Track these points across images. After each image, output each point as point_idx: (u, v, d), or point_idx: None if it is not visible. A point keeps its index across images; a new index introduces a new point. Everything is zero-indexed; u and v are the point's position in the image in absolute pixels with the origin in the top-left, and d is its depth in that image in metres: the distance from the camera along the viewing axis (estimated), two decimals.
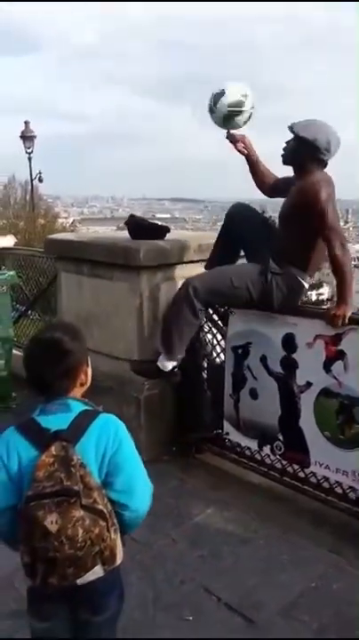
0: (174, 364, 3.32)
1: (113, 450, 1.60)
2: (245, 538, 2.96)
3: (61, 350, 1.63)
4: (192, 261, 3.88)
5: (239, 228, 3.39)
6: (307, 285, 3.18)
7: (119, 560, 1.63)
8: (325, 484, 3.08)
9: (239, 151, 3.34)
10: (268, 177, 3.39)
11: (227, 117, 3.18)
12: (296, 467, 3.21)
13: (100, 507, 1.52)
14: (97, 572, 1.55)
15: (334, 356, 2.92)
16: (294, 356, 3.10)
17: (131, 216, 4.08)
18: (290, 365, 3.13)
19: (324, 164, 3.05)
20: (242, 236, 3.37)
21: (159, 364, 3.32)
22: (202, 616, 2.45)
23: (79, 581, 1.53)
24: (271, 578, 2.67)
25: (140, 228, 3.93)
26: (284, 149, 3.10)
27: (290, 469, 3.25)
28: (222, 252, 3.48)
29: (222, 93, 3.13)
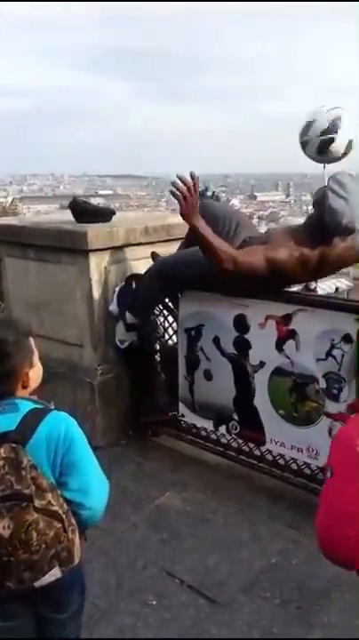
0: None
1: (64, 448, 1.56)
2: (205, 518, 3.00)
3: (1, 354, 1.58)
4: (140, 243, 3.83)
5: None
6: None
7: (77, 559, 1.60)
8: (281, 461, 3.14)
9: None
10: None
11: (320, 148, 2.85)
12: (252, 445, 3.26)
13: (55, 508, 1.49)
14: (55, 573, 1.53)
15: (285, 336, 2.95)
16: (246, 336, 3.11)
17: (75, 199, 3.98)
18: (242, 346, 3.15)
19: None
20: None
21: None
22: (165, 599, 2.48)
23: (37, 584, 1.51)
24: (232, 556, 2.71)
25: (85, 211, 3.84)
26: None
27: (246, 448, 3.30)
28: None
29: (312, 122, 2.86)
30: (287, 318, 2.92)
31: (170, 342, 3.68)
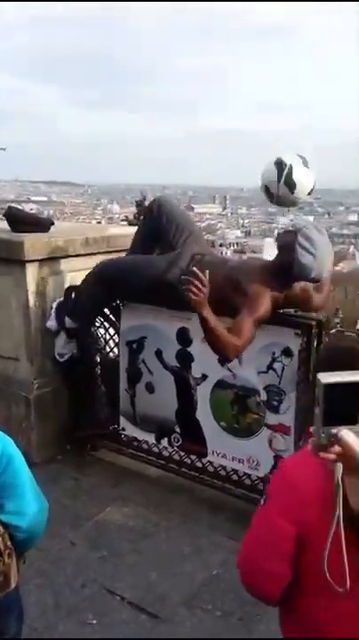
0: None
1: (0, 469, 1.51)
2: (146, 533, 2.97)
3: None
4: (79, 255, 3.78)
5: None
6: None
7: (14, 583, 1.55)
8: (222, 473, 3.17)
9: None
10: None
11: (286, 193, 2.90)
12: (194, 457, 3.27)
13: None
14: None
15: None
16: (189, 349, 3.13)
17: (10, 207, 3.88)
18: (185, 359, 3.16)
19: None
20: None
21: None
22: (106, 618, 2.43)
23: None
24: (173, 570, 2.70)
25: (22, 220, 3.75)
26: None
27: (187, 460, 3.30)
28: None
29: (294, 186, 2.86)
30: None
31: (111, 355, 3.64)
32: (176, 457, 3.35)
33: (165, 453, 3.39)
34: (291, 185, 2.85)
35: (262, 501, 1.33)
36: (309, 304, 2.92)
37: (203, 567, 2.73)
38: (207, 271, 2.60)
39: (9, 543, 1.51)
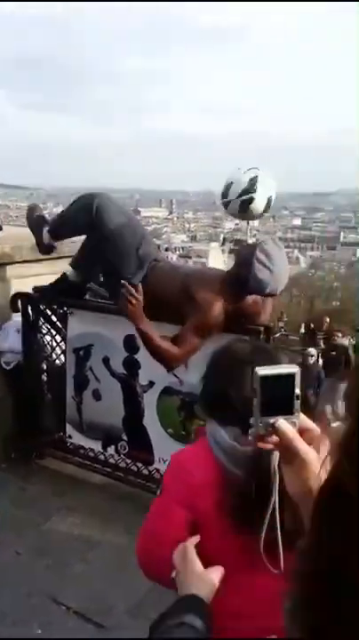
0: None
1: None
2: (92, 542, 2.96)
3: None
4: (27, 261, 3.73)
5: None
6: None
7: None
8: None
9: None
10: None
11: (241, 207, 2.95)
12: (140, 465, 3.27)
13: None
14: None
15: None
16: (136, 356, 3.14)
17: None
18: (132, 366, 3.17)
19: None
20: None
21: None
22: (51, 628, 2.41)
23: None
24: (119, 579, 2.69)
25: None
26: None
27: (134, 468, 3.30)
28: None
29: (231, 184, 2.92)
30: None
31: (57, 362, 3.60)
32: (122, 465, 3.34)
33: (112, 461, 3.38)
34: (244, 205, 2.92)
35: (158, 492, 1.39)
36: (258, 318, 2.96)
37: None
38: (140, 284, 2.63)
39: None
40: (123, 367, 3.20)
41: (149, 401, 3.15)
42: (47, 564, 2.79)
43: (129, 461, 3.31)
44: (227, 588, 1.29)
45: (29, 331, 3.55)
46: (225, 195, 2.98)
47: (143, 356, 3.12)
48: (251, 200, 2.92)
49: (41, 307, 3.54)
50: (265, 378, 0.99)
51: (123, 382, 3.23)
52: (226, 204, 3.01)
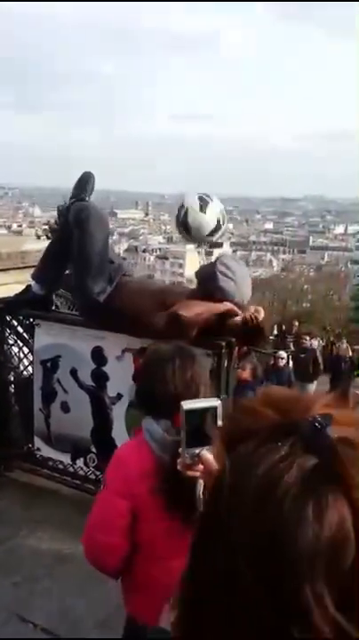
0: None
1: None
2: (62, 556, 2.92)
3: None
4: (15, 268, 3.70)
5: None
6: None
7: None
8: None
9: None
10: None
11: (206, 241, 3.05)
12: None
13: None
14: None
15: None
16: (104, 368, 3.13)
17: None
18: (100, 378, 3.15)
19: None
20: None
21: None
22: None
23: None
24: (88, 594, 2.67)
25: None
26: None
27: (103, 480, 3.28)
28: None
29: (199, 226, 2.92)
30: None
31: (25, 374, 3.56)
32: (92, 477, 3.32)
33: (81, 473, 3.35)
34: (186, 227, 2.94)
35: (102, 487, 1.57)
36: (237, 323, 2.84)
37: (118, 590, 2.72)
38: None
39: None
40: (91, 379, 3.18)
41: (118, 413, 3.13)
42: (15, 580, 2.75)
43: (98, 473, 3.29)
44: (160, 571, 1.45)
45: None
46: (189, 233, 2.99)
47: (111, 368, 3.12)
48: (189, 228, 2.94)
49: (7, 318, 3.50)
50: (189, 412, 1.09)
51: (91, 394, 3.20)
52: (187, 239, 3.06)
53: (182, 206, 2.94)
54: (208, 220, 2.92)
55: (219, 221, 2.96)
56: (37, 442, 3.47)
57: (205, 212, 2.92)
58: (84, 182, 3.18)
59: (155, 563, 1.52)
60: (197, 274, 2.95)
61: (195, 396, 1.45)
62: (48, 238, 3.83)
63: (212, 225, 2.95)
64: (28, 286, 3.30)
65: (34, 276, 3.29)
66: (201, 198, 2.93)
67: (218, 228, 2.96)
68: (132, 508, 1.49)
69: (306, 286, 33.19)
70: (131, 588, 1.63)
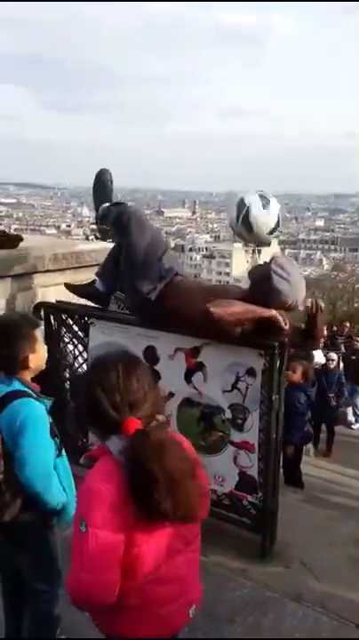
0: None
1: (16, 432, 1.92)
2: None
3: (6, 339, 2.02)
4: (48, 270, 3.81)
5: None
6: None
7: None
8: None
9: None
10: None
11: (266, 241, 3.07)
12: None
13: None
14: None
15: (194, 368, 3.05)
16: (156, 367, 3.17)
17: None
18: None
19: None
20: None
21: None
22: (75, 633, 2.45)
23: None
24: None
25: None
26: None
27: None
28: None
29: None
30: (195, 351, 3.03)
31: (80, 371, 3.66)
32: None
33: None
34: (247, 225, 2.96)
35: (83, 528, 1.38)
36: (282, 334, 2.84)
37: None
38: None
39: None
40: None
41: (169, 412, 3.18)
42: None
43: None
44: (150, 572, 1.45)
45: (52, 340, 3.62)
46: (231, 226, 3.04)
47: (163, 367, 3.17)
48: (250, 226, 2.97)
49: (63, 316, 3.61)
50: None
51: None
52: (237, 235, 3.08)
53: (243, 204, 2.95)
54: (272, 217, 2.94)
55: (279, 219, 2.98)
56: (91, 437, 3.56)
57: (269, 210, 2.93)
58: (104, 184, 3.32)
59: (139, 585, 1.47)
60: (250, 274, 2.94)
61: (143, 402, 1.47)
62: (97, 238, 3.92)
63: (273, 223, 2.96)
64: (94, 280, 3.41)
65: (97, 274, 3.42)
66: (261, 196, 2.94)
67: (277, 225, 2.98)
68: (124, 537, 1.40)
69: (357, 286, 32.41)
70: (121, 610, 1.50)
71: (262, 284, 2.76)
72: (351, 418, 8.74)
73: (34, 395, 2.04)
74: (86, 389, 1.51)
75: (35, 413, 1.98)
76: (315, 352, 6.97)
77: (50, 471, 2.04)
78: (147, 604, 1.50)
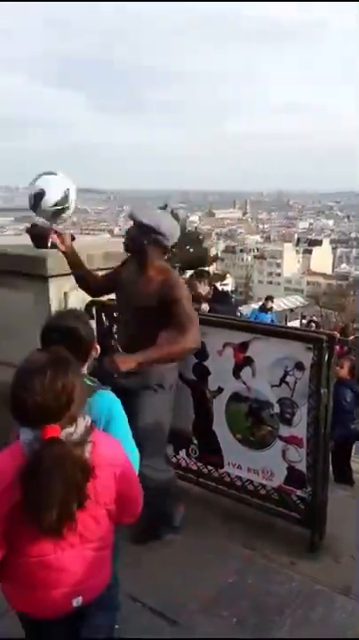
0: None
1: (105, 423, 1.89)
2: (165, 541, 3.06)
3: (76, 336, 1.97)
4: (100, 269, 3.90)
5: None
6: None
7: None
8: (238, 483, 3.25)
9: (56, 247, 3.15)
10: (92, 278, 3.24)
11: (54, 215, 3.07)
12: (210, 468, 3.36)
13: None
14: None
15: (242, 363, 3.08)
16: (205, 363, 3.22)
17: (33, 224, 4.02)
18: (201, 372, 3.26)
19: (165, 252, 2.91)
20: None
21: None
22: (129, 623, 2.52)
23: None
24: (191, 578, 2.79)
25: (43, 237, 3.89)
26: (126, 237, 2.97)
27: (205, 471, 3.39)
28: None
29: (42, 194, 2.99)
30: (244, 346, 3.06)
31: None
32: (194, 467, 3.43)
33: (183, 464, 3.46)
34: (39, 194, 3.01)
35: None
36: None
37: (220, 575, 2.82)
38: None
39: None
40: (192, 373, 3.29)
41: (218, 407, 3.22)
42: (124, 561, 2.91)
43: (200, 464, 3.39)
44: (31, 562, 1.55)
45: (103, 337, 3.71)
46: (35, 206, 3.06)
47: (212, 362, 3.21)
48: (64, 210, 3.06)
49: (114, 314, 3.70)
50: None
51: (192, 388, 3.32)
52: (37, 213, 3.11)
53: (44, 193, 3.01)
54: (50, 192, 3.00)
55: (65, 191, 3.01)
56: None
57: (46, 188, 3.00)
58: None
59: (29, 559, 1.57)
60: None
61: (67, 405, 1.46)
62: None
63: (58, 196, 3.00)
64: None
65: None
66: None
67: (64, 198, 3.01)
68: (8, 512, 1.48)
69: None
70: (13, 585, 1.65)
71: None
72: None
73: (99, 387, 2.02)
74: (12, 389, 1.50)
75: (114, 400, 1.99)
76: None
77: None
78: (24, 582, 1.60)
